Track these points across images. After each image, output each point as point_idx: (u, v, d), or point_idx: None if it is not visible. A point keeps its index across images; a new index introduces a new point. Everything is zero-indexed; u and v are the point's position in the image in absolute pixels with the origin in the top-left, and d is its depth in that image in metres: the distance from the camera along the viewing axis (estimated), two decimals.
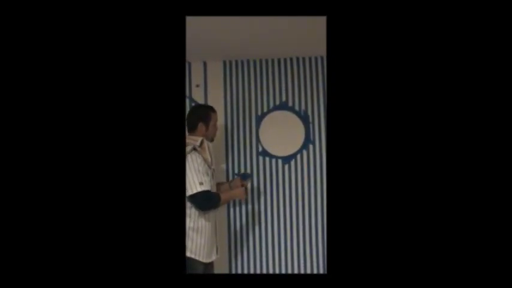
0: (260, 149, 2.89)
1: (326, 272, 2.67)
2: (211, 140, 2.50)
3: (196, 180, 2.25)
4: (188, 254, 2.24)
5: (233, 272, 2.84)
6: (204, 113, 2.47)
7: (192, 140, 2.34)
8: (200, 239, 2.30)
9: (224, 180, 2.85)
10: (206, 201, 2.31)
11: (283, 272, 2.80)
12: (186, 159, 2.25)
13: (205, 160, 2.35)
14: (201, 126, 2.43)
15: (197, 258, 2.28)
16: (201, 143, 2.36)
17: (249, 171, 2.87)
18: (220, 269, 2.70)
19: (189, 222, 2.28)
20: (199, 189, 2.24)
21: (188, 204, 2.27)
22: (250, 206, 2.87)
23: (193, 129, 2.44)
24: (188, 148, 2.27)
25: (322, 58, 2.87)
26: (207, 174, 2.33)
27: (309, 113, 2.86)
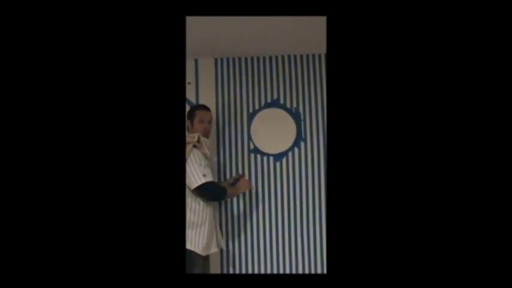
0: (251, 147, 2.88)
1: (321, 270, 2.72)
2: (207, 137, 2.55)
3: (199, 173, 2.35)
4: (188, 246, 2.33)
5: (224, 270, 2.84)
6: (189, 111, 2.58)
7: (189, 138, 2.40)
8: (200, 233, 2.38)
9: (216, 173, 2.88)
10: (212, 191, 2.43)
11: (275, 270, 2.82)
12: (188, 157, 2.35)
13: (204, 155, 2.45)
14: (188, 124, 2.54)
15: (195, 250, 2.35)
16: (198, 138, 2.42)
17: (240, 168, 2.87)
18: (212, 268, 2.70)
19: (193, 217, 2.37)
20: (204, 180, 2.34)
21: (192, 199, 2.37)
22: (242, 204, 2.87)
23: (187, 129, 2.54)
24: (189, 147, 2.36)
25: (314, 55, 2.87)
26: (209, 167, 2.44)
27: (301, 110, 2.87)
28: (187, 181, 2.35)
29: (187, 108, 2.77)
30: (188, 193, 2.37)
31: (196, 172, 2.35)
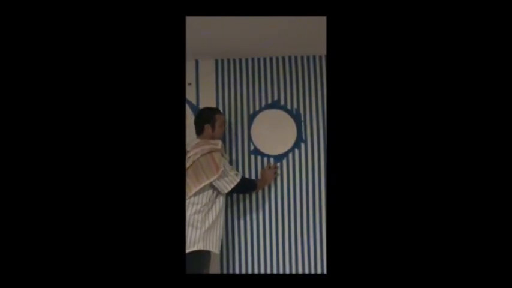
0: (252, 148, 2.89)
1: (321, 270, 2.72)
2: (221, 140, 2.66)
3: (233, 174, 2.54)
4: (207, 247, 2.43)
5: (224, 270, 2.84)
6: (209, 115, 2.62)
7: (213, 145, 2.52)
8: (216, 232, 2.50)
9: None
10: (247, 185, 2.66)
11: (275, 270, 2.81)
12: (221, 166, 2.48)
13: (226, 160, 2.62)
14: (207, 128, 2.59)
15: (213, 250, 2.47)
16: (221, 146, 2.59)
17: (240, 170, 2.87)
18: (212, 268, 2.69)
19: (212, 219, 2.48)
20: (239, 178, 2.55)
21: (208, 200, 2.48)
22: (242, 204, 2.87)
23: (201, 132, 2.60)
24: (218, 155, 2.50)
25: (314, 57, 2.87)
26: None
27: (301, 111, 2.87)
28: (221, 187, 2.50)
29: (190, 111, 2.82)
30: (206, 197, 2.47)
31: (230, 175, 2.52)
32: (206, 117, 2.61)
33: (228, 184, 2.51)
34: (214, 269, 2.78)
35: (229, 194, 2.72)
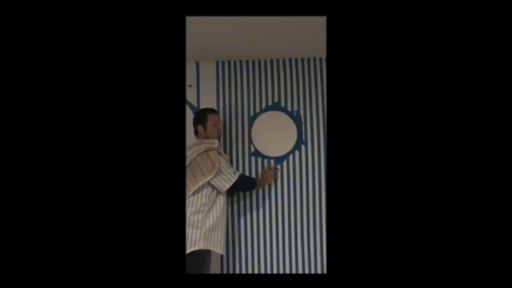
0: (252, 150, 2.89)
1: (321, 270, 2.72)
2: (219, 139, 2.67)
3: (230, 172, 2.52)
4: (209, 247, 2.43)
5: (224, 270, 2.84)
6: (201, 116, 2.64)
7: (209, 144, 2.53)
8: (219, 233, 2.50)
9: None
10: (246, 183, 2.66)
11: (275, 270, 2.81)
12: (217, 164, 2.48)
13: (225, 159, 2.63)
14: (200, 129, 2.61)
15: (216, 250, 2.48)
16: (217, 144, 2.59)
17: (241, 171, 2.87)
18: (212, 268, 2.70)
19: (214, 219, 2.48)
20: (237, 176, 2.54)
21: (208, 199, 2.47)
22: (242, 205, 2.87)
23: (196, 133, 2.64)
24: (214, 153, 2.50)
25: (315, 59, 2.89)
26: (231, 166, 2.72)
27: (302, 113, 2.87)
28: (220, 185, 2.49)
29: (190, 112, 2.82)
30: (205, 197, 2.47)
31: (228, 172, 2.51)
32: (198, 118, 2.64)
33: (225, 182, 2.50)
34: (214, 268, 2.78)
35: (230, 194, 2.72)
